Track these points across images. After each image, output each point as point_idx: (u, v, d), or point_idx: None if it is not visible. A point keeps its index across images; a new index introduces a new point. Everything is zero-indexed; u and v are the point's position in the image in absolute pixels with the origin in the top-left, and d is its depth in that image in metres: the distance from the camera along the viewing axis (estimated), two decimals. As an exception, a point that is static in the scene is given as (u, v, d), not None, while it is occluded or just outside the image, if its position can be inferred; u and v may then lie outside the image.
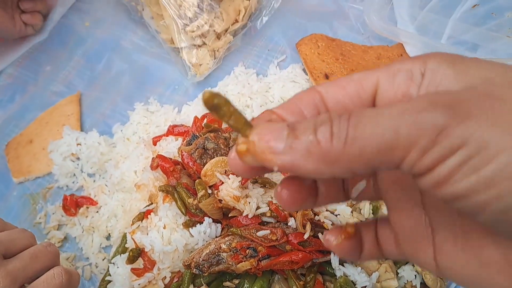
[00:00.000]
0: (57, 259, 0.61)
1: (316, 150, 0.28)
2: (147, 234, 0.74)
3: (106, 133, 0.95)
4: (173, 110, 0.91)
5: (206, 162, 0.73)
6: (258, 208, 0.68)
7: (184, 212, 0.72)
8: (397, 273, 0.67)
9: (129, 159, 0.86)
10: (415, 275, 0.66)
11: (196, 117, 0.81)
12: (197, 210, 0.71)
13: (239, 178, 0.69)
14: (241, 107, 0.87)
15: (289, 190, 0.35)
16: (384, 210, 0.71)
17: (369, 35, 0.87)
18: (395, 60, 0.31)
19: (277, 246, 0.66)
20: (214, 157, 0.73)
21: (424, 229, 0.35)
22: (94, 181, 0.91)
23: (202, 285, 0.70)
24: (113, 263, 0.76)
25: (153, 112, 0.93)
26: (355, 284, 0.65)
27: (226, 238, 0.68)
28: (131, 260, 0.74)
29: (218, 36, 0.93)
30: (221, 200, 0.70)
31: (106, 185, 0.88)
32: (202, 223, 0.71)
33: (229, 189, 0.68)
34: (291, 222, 0.66)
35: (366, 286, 0.65)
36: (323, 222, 0.67)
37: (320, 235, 0.65)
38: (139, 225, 0.76)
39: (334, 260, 0.65)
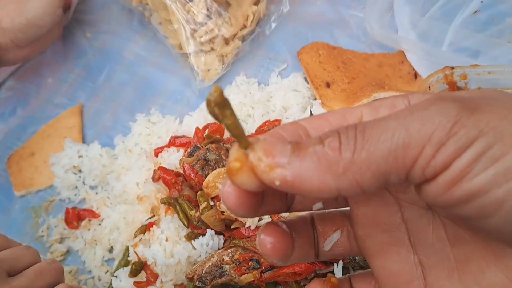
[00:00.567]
0: (61, 276, 0.62)
1: (324, 161, 0.26)
2: (150, 247, 0.74)
3: (108, 145, 0.95)
4: (175, 121, 0.92)
5: (208, 174, 0.73)
6: (260, 219, 0.69)
7: (186, 224, 0.72)
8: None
9: (131, 171, 0.87)
10: None
11: (197, 128, 0.81)
12: (199, 222, 0.71)
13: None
14: (243, 116, 0.87)
15: (271, 237, 0.34)
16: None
17: (370, 42, 0.88)
18: (376, 100, 0.30)
19: (280, 257, 0.66)
20: (216, 168, 0.73)
21: (413, 269, 0.34)
22: (96, 193, 0.91)
23: (205, 297, 0.70)
24: (116, 276, 0.76)
25: (155, 123, 0.93)
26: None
27: (229, 250, 0.69)
28: (134, 273, 0.74)
29: (226, 42, 0.93)
30: (223, 212, 0.70)
31: (108, 198, 0.88)
32: (205, 235, 0.71)
33: (231, 200, 0.68)
34: (294, 233, 0.67)
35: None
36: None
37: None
38: (141, 238, 0.77)
39: (338, 271, 0.65)
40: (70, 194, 0.93)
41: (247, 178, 0.28)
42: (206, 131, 0.80)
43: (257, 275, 0.66)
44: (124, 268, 0.76)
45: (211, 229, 0.71)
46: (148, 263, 0.73)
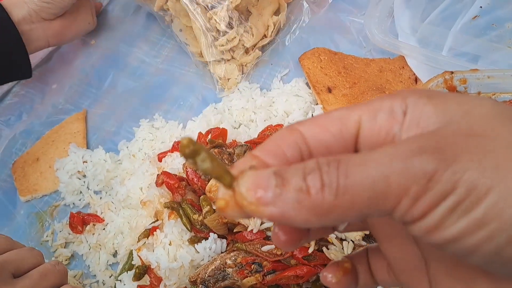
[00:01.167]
0: (65, 278, 0.63)
1: (307, 202, 0.27)
2: (153, 251, 0.76)
3: (112, 150, 0.97)
4: (178, 126, 0.94)
5: (211, 178, 0.75)
6: (262, 223, 0.70)
7: (189, 228, 0.73)
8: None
9: (134, 176, 0.88)
10: None
11: (200, 133, 0.83)
12: (202, 226, 0.73)
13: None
14: (245, 122, 0.89)
15: (284, 231, 0.35)
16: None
17: (371, 48, 0.90)
18: (378, 97, 0.31)
19: (282, 260, 0.67)
20: (218, 173, 0.75)
21: (417, 260, 0.36)
22: (101, 198, 0.93)
23: (208, 301, 0.71)
24: (120, 280, 0.78)
25: (159, 128, 0.95)
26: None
27: (232, 254, 0.70)
28: (138, 277, 0.76)
29: (247, 51, 0.95)
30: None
31: (112, 202, 0.90)
32: (208, 239, 0.72)
33: (234, 204, 0.70)
34: (296, 236, 0.68)
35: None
36: (327, 236, 0.69)
37: (324, 249, 0.67)
38: (145, 242, 0.78)
39: (339, 274, 0.67)
40: (75, 199, 0.94)
41: (237, 213, 0.29)
42: (209, 136, 0.81)
43: (259, 278, 0.67)
44: (128, 272, 0.78)
45: (214, 232, 0.72)
46: (152, 267, 0.75)
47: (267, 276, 0.67)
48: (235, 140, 0.83)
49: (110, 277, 0.86)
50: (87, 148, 1.01)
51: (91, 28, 1.07)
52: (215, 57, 0.93)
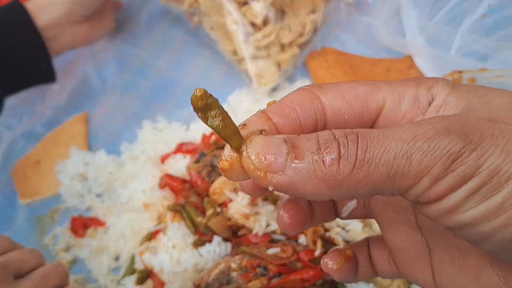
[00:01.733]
0: (67, 279, 0.63)
1: (320, 172, 0.27)
2: (156, 255, 0.76)
3: (114, 152, 0.97)
4: (181, 128, 0.94)
5: (215, 180, 0.75)
6: (268, 225, 0.70)
7: (193, 231, 0.73)
8: (411, 290, 0.68)
9: (137, 178, 0.88)
10: (430, 292, 0.67)
11: (204, 135, 0.83)
12: (206, 229, 0.72)
13: (248, 196, 0.71)
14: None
15: (289, 214, 0.36)
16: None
17: (378, 48, 0.89)
18: (400, 79, 0.30)
19: (288, 264, 0.67)
20: (222, 175, 0.75)
21: (420, 249, 0.36)
22: (103, 201, 0.93)
23: (213, 305, 0.71)
24: (123, 285, 0.78)
25: (162, 130, 0.95)
26: (368, 302, 0.66)
27: (236, 257, 0.70)
28: (140, 281, 0.76)
29: (283, 48, 0.93)
30: (230, 218, 0.71)
31: (114, 205, 0.90)
32: (212, 242, 0.72)
33: (239, 206, 0.70)
34: (302, 239, 0.68)
35: (379, 304, 0.66)
36: (334, 238, 0.69)
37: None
38: (147, 246, 0.78)
39: (346, 277, 0.66)
40: (76, 202, 0.94)
41: (240, 177, 0.29)
42: (213, 138, 0.81)
43: (264, 282, 0.67)
44: (131, 276, 0.78)
45: (218, 235, 0.72)
46: (155, 270, 0.75)
47: (272, 280, 0.67)
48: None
49: (112, 281, 0.85)
50: (89, 150, 1.00)
51: (111, 29, 1.07)
52: (250, 53, 0.91)
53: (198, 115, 0.28)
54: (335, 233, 0.69)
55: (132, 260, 0.79)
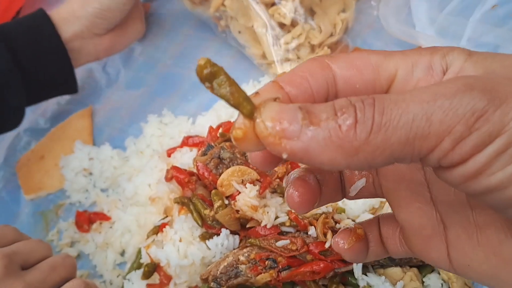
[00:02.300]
0: (74, 271, 0.63)
1: (336, 138, 0.25)
2: (163, 248, 0.75)
3: (119, 146, 0.97)
4: (188, 121, 0.94)
5: (222, 172, 0.74)
6: (276, 217, 0.70)
7: (200, 224, 0.73)
8: (423, 282, 0.67)
9: (143, 172, 0.88)
10: (442, 284, 0.66)
11: (211, 127, 0.83)
12: (214, 222, 0.72)
13: (257, 187, 0.70)
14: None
15: (298, 192, 0.35)
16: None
17: (387, 40, 0.89)
18: (412, 50, 0.32)
19: (298, 256, 0.67)
20: (230, 167, 0.74)
21: (435, 225, 0.35)
22: (107, 196, 0.92)
23: (221, 299, 0.71)
24: (128, 280, 0.77)
25: (167, 124, 0.95)
26: (379, 295, 0.66)
27: (244, 250, 0.69)
28: (147, 275, 0.75)
29: (313, 50, 0.91)
30: (238, 211, 0.71)
31: (119, 200, 0.90)
32: (219, 235, 0.72)
33: (247, 198, 0.70)
34: (311, 231, 0.67)
35: (391, 297, 0.66)
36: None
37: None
38: (154, 239, 0.78)
39: (357, 269, 0.66)
40: (81, 197, 0.94)
41: (254, 146, 0.28)
42: (220, 130, 0.81)
43: (274, 275, 0.66)
44: (137, 270, 0.77)
45: (226, 228, 0.72)
46: (161, 264, 0.74)
47: (282, 273, 0.66)
48: (246, 134, 0.82)
49: (117, 276, 0.85)
50: (93, 145, 1.00)
51: (141, 35, 1.06)
52: (280, 56, 0.89)
53: (204, 85, 0.27)
54: (345, 224, 0.69)
55: (138, 254, 0.79)
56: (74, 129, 1.03)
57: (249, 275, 0.68)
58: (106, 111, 1.04)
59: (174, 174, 0.78)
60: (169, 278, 0.74)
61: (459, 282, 0.65)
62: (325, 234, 0.67)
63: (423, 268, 0.69)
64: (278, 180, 0.73)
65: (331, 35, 0.91)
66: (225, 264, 0.69)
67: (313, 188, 0.36)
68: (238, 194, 0.71)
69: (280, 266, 0.66)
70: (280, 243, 0.67)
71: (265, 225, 0.69)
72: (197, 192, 0.75)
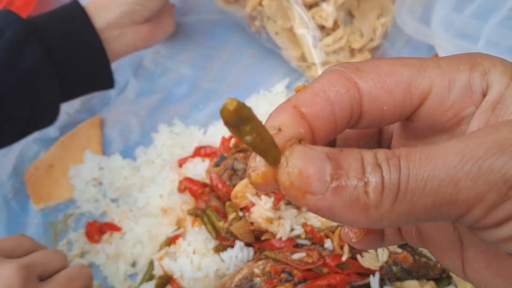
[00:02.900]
0: (91, 282, 0.63)
1: (362, 202, 0.24)
2: (176, 260, 0.75)
3: (129, 156, 0.97)
4: (199, 131, 0.94)
5: (236, 184, 0.74)
6: (292, 230, 0.69)
7: (214, 236, 0.73)
8: (441, 295, 0.67)
9: (154, 183, 0.88)
10: (460, 297, 0.66)
11: (223, 137, 0.83)
12: (228, 234, 0.72)
13: (272, 199, 0.70)
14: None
15: (355, 234, 0.34)
16: None
17: (425, 47, 0.87)
18: (451, 57, 0.30)
19: (314, 269, 0.66)
20: (244, 178, 0.74)
21: (452, 241, 0.33)
22: (118, 206, 0.92)
23: (235, 312, 0.70)
24: (140, 291, 0.77)
25: (178, 134, 0.95)
26: (396, 308, 0.66)
27: (259, 262, 0.69)
28: (159, 287, 0.75)
29: (352, 54, 0.90)
30: (253, 223, 0.71)
31: (130, 210, 0.90)
32: (234, 247, 0.72)
33: (262, 210, 0.70)
34: (328, 244, 0.67)
35: (408, 310, 0.65)
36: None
37: (358, 256, 0.66)
38: (166, 251, 0.78)
39: (374, 282, 0.66)
40: (91, 207, 0.94)
41: (271, 189, 0.27)
42: (233, 140, 0.81)
43: (289, 288, 0.66)
44: (149, 282, 0.77)
45: (240, 240, 0.72)
46: (175, 276, 0.74)
47: (297, 286, 0.66)
48: (259, 144, 0.82)
49: (129, 288, 0.85)
50: (103, 154, 1.00)
51: (172, 31, 1.05)
52: (322, 58, 0.87)
53: (230, 130, 0.24)
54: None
55: (151, 265, 0.79)
56: (83, 138, 1.03)
57: (264, 288, 0.68)
58: (116, 120, 1.04)
59: (188, 186, 0.78)
60: (182, 290, 0.74)
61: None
62: (341, 247, 0.66)
63: (441, 281, 0.68)
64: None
65: (371, 39, 0.90)
66: (240, 276, 0.69)
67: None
68: (253, 206, 0.71)
69: (296, 279, 0.66)
70: (296, 256, 0.67)
71: (280, 238, 0.69)
72: (211, 203, 0.75)
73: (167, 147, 0.93)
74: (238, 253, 0.71)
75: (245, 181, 0.73)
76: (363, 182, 0.24)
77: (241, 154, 0.77)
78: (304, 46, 0.88)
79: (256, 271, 0.68)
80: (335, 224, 0.70)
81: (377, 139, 0.38)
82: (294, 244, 0.69)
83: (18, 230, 0.97)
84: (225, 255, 0.72)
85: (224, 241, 0.73)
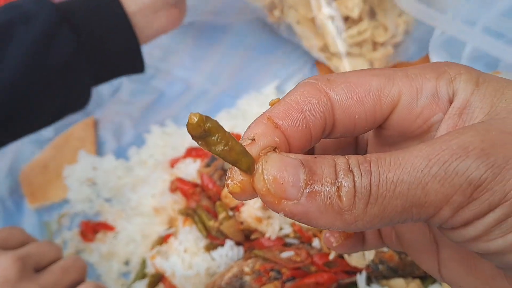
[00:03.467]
0: (85, 273, 0.64)
1: (336, 206, 0.26)
2: (167, 259, 0.76)
3: (122, 156, 0.98)
4: (190, 132, 0.95)
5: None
6: (280, 229, 0.71)
7: (205, 235, 0.74)
8: (426, 293, 0.69)
9: (146, 183, 0.89)
10: (445, 295, 0.68)
11: (214, 138, 0.84)
12: (218, 233, 0.73)
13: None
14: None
15: (335, 238, 0.36)
16: None
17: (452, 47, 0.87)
18: (419, 67, 0.31)
19: (302, 267, 0.68)
20: (234, 178, 0.75)
21: (427, 243, 0.35)
22: (112, 206, 0.94)
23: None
24: (133, 289, 0.79)
25: (170, 134, 0.96)
26: (382, 306, 0.67)
27: (249, 261, 0.71)
28: (152, 285, 0.77)
29: (375, 47, 0.90)
30: (243, 222, 0.72)
31: (123, 210, 0.91)
32: (224, 246, 0.73)
33: (251, 210, 0.71)
34: (316, 242, 0.69)
35: (394, 308, 0.67)
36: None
37: (345, 255, 0.67)
38: (158, 250, 0.79)
39: (361, 280, 0.67)
40: (85, 207, 0.95)
41: (250, 198, 0.28)
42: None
43: (278, 286, 0.68)
44: (141, 280, 0.79)
45: (231, 239, 0.73)
46: (166, 275, 0.76)
47: (286, 284, 0.68)
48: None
49: (122, 286, 0.86)
50: (97, 155, 1.02)
51: (183, 19, 1.01)
52: (345, 48, 0.87)
53: (198, 143, 0.25)
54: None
55: (143, 264, 0.80)
56: (77, 139, 1.04)
57: (253, 286, 0.69)
58: (109, 120, 1.06)
59: (179, 186, 0.79)
60: (174, 288, 0.75)
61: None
62: (329, 246, 0.68)
63: (426, 279, 0.70)
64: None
65: (393, 35, 0.90)
66: (230, 275, 0.70)
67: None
68: (243, 206, 0.73)
69: (284, 278, 0.68)
70: (285, 254, 0.68)
71: (269, 237, 0.71)
72: (202, 203, 0.76)
73: (160, 148, 0.95)
74: (228, 251, 0.73)
75: (235, 181, 0.74)
76: (336, 186, 0.26)
77: (231, 155, 0.78)
78: (327, 35, 0.87)
79: (246, 269, 0.70)
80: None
81: (354, 148, 0.39)
82: (282, 243, 0.71)
83: (13, 229, 0.98)
84: (216, 253, 0.73)
85: (214, 240, 0.74)
